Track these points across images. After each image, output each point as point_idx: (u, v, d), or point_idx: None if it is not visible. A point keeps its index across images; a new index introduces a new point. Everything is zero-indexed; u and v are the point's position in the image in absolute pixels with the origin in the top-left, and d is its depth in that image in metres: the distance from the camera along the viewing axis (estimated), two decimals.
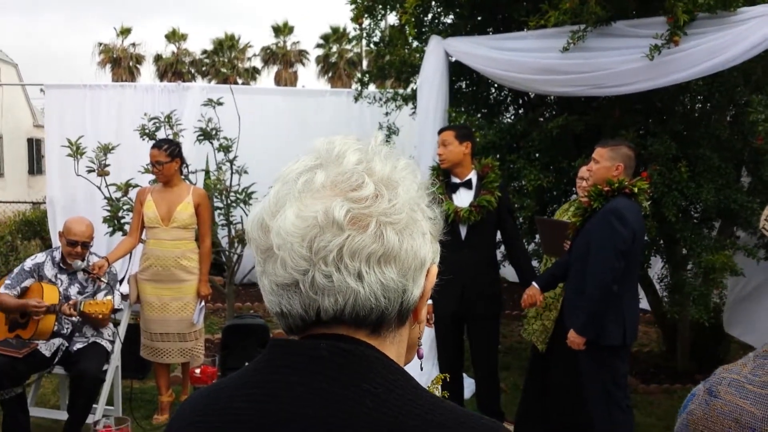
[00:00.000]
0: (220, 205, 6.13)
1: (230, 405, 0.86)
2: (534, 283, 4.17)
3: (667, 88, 4.94)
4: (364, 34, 6.56)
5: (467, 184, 4.47)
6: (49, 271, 4.51)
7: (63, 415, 4.44)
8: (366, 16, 6.31)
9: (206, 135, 6.17)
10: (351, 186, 0.84)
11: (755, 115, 4.48)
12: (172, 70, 42.48)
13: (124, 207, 5.79)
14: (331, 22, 64.39)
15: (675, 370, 5.92)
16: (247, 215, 5.93)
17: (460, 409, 0.85)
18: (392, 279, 0.83)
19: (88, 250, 4.55)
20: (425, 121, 5.55)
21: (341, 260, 0.81)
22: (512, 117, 6.56)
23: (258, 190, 6.03)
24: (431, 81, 5.52)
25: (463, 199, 4.44)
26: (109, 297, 4.43)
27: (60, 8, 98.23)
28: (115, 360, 4.61)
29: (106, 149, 5.73)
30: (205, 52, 44.30)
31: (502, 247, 5.01)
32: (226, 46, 43.74)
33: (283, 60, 44.01)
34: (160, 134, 5.95)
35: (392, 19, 6.70)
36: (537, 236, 5.91)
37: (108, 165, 5.75)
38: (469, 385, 5.08)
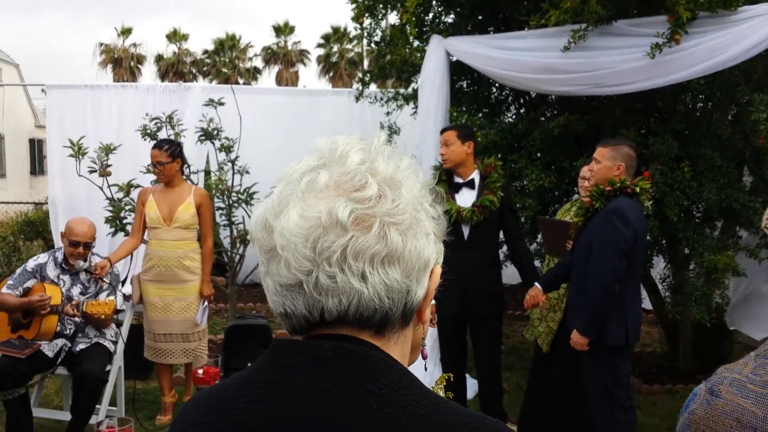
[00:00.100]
0: (221, 205, 6.13)
1: (233, 406, 0.86)
2: (536, 283, 4.16)
3: (668, 88, 4.94)
4: (365, 34, 6.56)
5: (470, 184, 4.47)
6: (51, 271, 4.51)
7: (66, 416, 4.45)
8: (367, 15, 6.31)
9: (207, 135, 6.17)
10: (354, 186, 0.84)
11: (757, 114, 4.48)
12: (174, 70, 42.48)
13: (126, 207, 5.79)
14: (332, 21, 64.41)
15: (677, 371, 5.92)
16: (248, 215, 5.97)
17: (464, 410, 0.85)
18: (396, 279, 0.83)
19: (90, 251, 4.56)
20: (426, 121, 5.55)
21: (345, 261, 0.81)
22: (513, 116, 6.55)
23: (259, 190, 6.03)
24: (432, 80, 5.52)
25: (465, 199, 4.44)
26: (112, 297, 4.44)
27: (60, 8, 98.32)
28: (118, 360, 4.62)
29: (108, 149, 5.74)
30: (206, 52, 44.29)
31: (504, 247, 5.00)
32: (227, 46, 43.72)
33: (284, 60, 43.99)
34: (162, 134, 5.95)
35: (393, 18, 6.70)
36: (539, 236, 5.91)
37: (110, 165, 5.75)
38: (471, 386, 5.08)
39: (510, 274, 5.29)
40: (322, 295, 0.83)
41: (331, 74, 43.04)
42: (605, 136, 4.71)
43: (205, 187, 6.43)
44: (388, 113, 7.05)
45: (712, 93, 5.29)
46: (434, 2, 6.11)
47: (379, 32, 6.57)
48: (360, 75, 8.03)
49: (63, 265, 4.54)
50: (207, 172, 7.28)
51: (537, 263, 5.24)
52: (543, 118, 5.94)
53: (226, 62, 43.71)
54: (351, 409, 0.80)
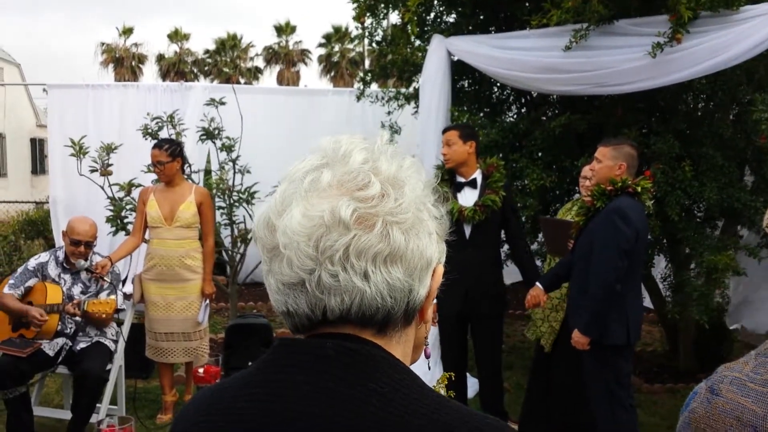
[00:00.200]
0: (222, 204, 6.14)
1: (234, 405, 0.86)
2: (538, 283, 4.16)
3: (670, 87, 4.93)
4: (366, 34, 6.56)
5: (472, 184, 4.47)
6: (52, 270, 4.52)
7: (67, 415, 4.45)
8: (368, 15, 6.31)
9: (209, 135, 6.18)
10: (357, 185, 0.84)
11: (758, 113, 4.48)
12: (175, 69, 42.53)
13: (127, 207, 5.80)
14: (333, 21, 64.40)
15: (678, 370, 5.92)
16: (249, 215, 5.97)
17: (466, 409, 0.85)
18: (398, 279, 0.83)
19: (91, 250, 4.56)
20: (427, 120, 5.55)
21: (347, 260, 0.81)
22: (515, 116, 6.55)
23: (260, 189, 6.03)
24: (433, 80, 5.52)
25: (467, 198, 4.44)
26: (113, 296, 4.44)
27: (60, 8, 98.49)
28: (119, 359, 4.62)
29: (109, 149, 5.74)
30: (207, 51, 44.36)
31: (505, 247, 5.00)
32: (229, 45, 43.77)
33: (285, 59, 44.03)
34: (163, 134, 5.96)
35: (394, 18, 6.70)
36: (540, 236, 5.91)
37: (111, 165, 5.76)
38: (472, 385, 5.08)
39: (510, 273, 5.29)
40: (325, 294, 0.83)
41: (332, 74, 43.08)
42: (607, 135, 4.71)
43: (206, 186, 6.43)
44: (389, 113, 7.05)
45: (714, 92, 5.29)
46: (436, 2, 6.11)
47: (380, 32, 6.57)
48: (361, 74, 8.04)
49: (64, 264, 4.54)
50: (208, 172, 7.28)
51: (538, 263, 5.24)
52: (544, 118, 5.94)
53: (227, 62, 43.76)
54: (353, 408, 0.80)
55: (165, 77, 40.99)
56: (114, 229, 5.83)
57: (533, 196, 5.41)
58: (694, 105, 5.67)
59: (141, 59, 44.21)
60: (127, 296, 4.91)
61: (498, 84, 6.33)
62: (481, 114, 6.30)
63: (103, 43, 43.66)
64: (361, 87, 7.31)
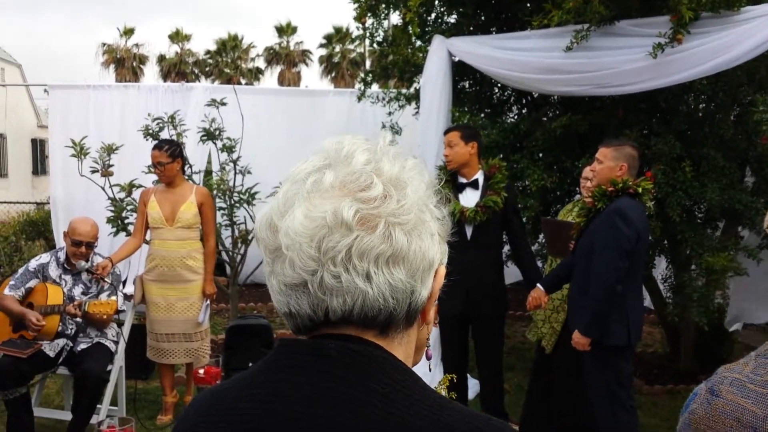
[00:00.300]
0: (223, 205, 6.14)
1: (235, 405, 0.86)
2: (539, 284, 4.16)
3: (671, 88, 4.93)
4: (367, 34, 6.56)
5: (474, 184, 4.47)
6: (53, 271, 4.52)
7: (67, 416, 4.45)
8: (369, 15, 6.31)
9: (209, 135, 6.18)
10: (360, 186, 0.83)
11: (759, 114, 4.48)
12: (176, 70, 42.57)
13: (128, 207, 5.80)
14: (334, 22, 64.49)
15: (679, 371, 5.92)
16: (250, 215, 5.98)
17: (468, 410, 0.85)
18: (400, 280, 0.83)
19: (92, 251, 4.57)
20: (428, 121, 5.54)
21: (350, 261, 0.81)
22: (515, 117, 6.55)
23: (261, 190, 6.03)
24: (434, 81, 5.52)
25: (469, 199, 4.44)
26: (113, 297, 4.44)
27: (60, 8, 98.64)
28: (119, 360, 4.63)
29: (110, 150, 5.75)
30: (208, 52, 44.40)
31: (506, 247, 5.00)
32: (230, 46, 43.80)
33: (286, 60, 44.06)
34: (164, 135, 5.96)
35: (395, 18, 6.70)
36: (540, 236, 5.91)
37: (112, 165, 5.76)
38: (473, 386, 5.08)
39: (510, 273, 5.29)
40: (327, 295, 0.83)
41: (333, 74, 43.12)
42: (608, 136, 4.71)
43: (206, 187, 6.44)
44: (390, 113, 7.05)
45: (715, 93, 5.28)
46: (437, 2, 6.11)
47: (381, 32, 6.57)
48: (362, 75, 8.03)
49: (65, 265, 4.54)
50: (209, 172, 7.29)
51: (539, 264, 5.24)
52: (545, 119, 5.94)
53: (228, 62, 43.80)
54: (355, 409, 0.80)
55: (166, 78, 41.04)
56: (115, 229, 5.83)
57: (534, 196, 5.41)
58: (695, 106, 5.67)
59: (142, 60, 44.27)
60: (127, 297, 4.92)
61: (499, 85, 6.33)
62: (482, 115, 6.30)
63: (104, 44, 43.75)
64: (362, 88, 7.31)
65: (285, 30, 44.11)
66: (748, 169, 5.59)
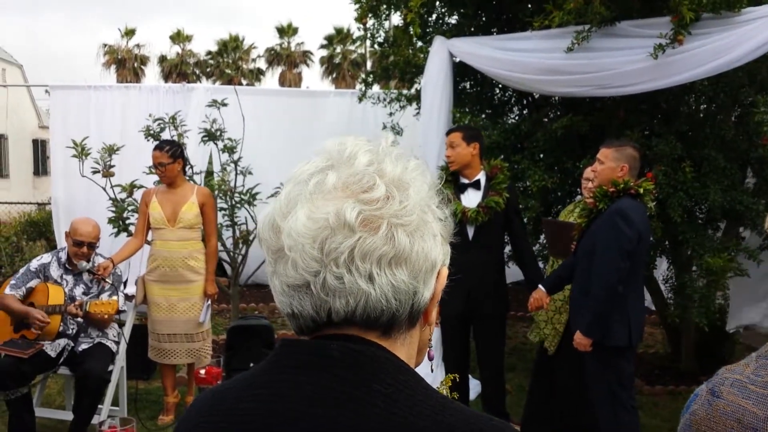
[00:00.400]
0: (224, 206, 6.14)
1: (237, 405, 0.86)
2: (540, 285, 4.16)
3: (672, 89, 4.93)
4: (368, 35, 6.56)
5: (476, 185, 4.47)
6: (54, 271, 4.52)
7: (68, 416, 4.46)
8: (370, 16, 6.31)
9: (211, 136, 6.18)
10: (362, 187, 0.84)
11: (760, 115, 4.49)
12: (177, 71, 42.58)
13: (129, 208, 5.80)
14: (335, 22, 64.41)
15: (680, 372, 5.91)
16: (251, 216, 5.98)
17: (470, 410, 0.85)
18: (403, 281, 0.83)
19: (94, 251, 4.57)
20: (429, 122, 5.55)
21: (352, 262, 0.81)
22: (516, 117, 6.55)
23: (262, 190, 6.04)
24: (435, 81, 5.52)
25: (471, 199, 4.44)
26: (114, 297, 4.45)
27: (60, 8, 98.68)
28: (121, 360, 4.63)
29: (111, 150, 5.75)
30: (209, 53, 44.40)
31: (507, 248, 5.00)
32: (231, 47, 43.81)
33: (287, 61, 44.07)
34: (165, 135, 5.96)
35: (396, 19, 6.71)
36: (541, 237, 5.90)
37: (113, 166, 5.77)
38: (474, 387, 5.08)
39: (510, 273, 5.28)
40: (330, 296, 0.83)
41: (334, 75, 43.13)
42: (609, 137, 4.71)
43: (208, 187, 6.45)
44: (391, 114, 7.05)
45: (716, 94, 5.28)
46: (438, 3, 6.11)
47: (382, 33, 6.57)
48: (363, 76, 8.02)
49: (66, 266, 4.55)
50: (210, 173, 7.29)
51: (540, 264, 5.23)
52: (546, 119, 5.94)
53: (229, 63, 43.81)
54: (357, 409, 0.80)
55: (167, 78, 41.06)
56: (116, 230, 5.83)
57: (535, 197, 5.41)
58: (696, 107, 5.67)
59: (143, 60, 44.27)
60: (128, 297, 4.92)
61: (500, 85, 6.33)
62: (483, 115, 6.30)
63: (105, 45, 43.76)
64: (363, 88, 7.31)
65: (286, 31, 44.11)
66: (749, 170, 5.58)
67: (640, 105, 5.37)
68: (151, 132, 6.02)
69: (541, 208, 5.61)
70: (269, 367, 0.88)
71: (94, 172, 5.72)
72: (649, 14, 4.75)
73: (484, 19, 6.17)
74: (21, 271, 4.54)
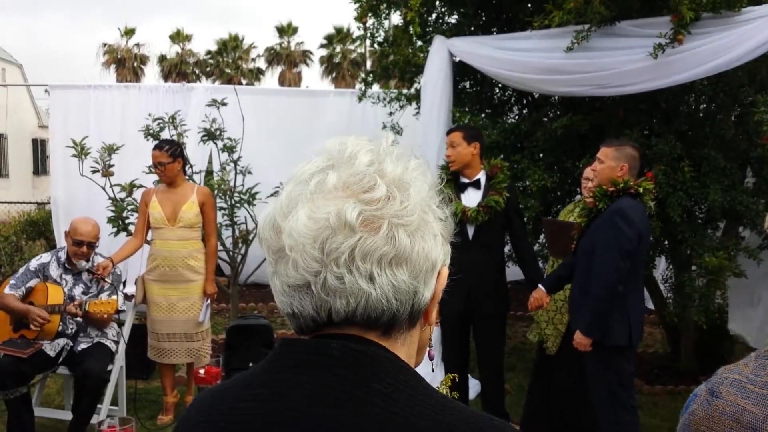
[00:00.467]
0: (224, 205, 6.14)
1: (237, 405, 0.86)
2: (540, 285, 4.16)
3: (672, 88, 4.93)
4: (368, 34, 6.56)
5: (476, 184, 4.47)
6: (54, 271, 4.52)
7: (67, 415, 4.45)
8: (370, 15, 6.31)
9: (210, 135, 6.18)
10: (363, 188, 0.83)
11: (760, 115, 4.48)
12: (177, 70, 42.60)
13: (129, 207, 5.80)
14: (335, 22, 64.41)
15: (679, 371, 5.91)
16: (251, 216, 5.98)
17: (470, 410, 0.85)
18: (404, 281, 0.83)
19: (93, 251, 4.57)
20: (429, 121, 5.55)
21: (353, 262, 0.81)
22: (516, 117, 6.55)
23: (262, 190, 6.03)
24: (435, 81, 5.52)
25: (471, 198, 4.44)
26: (114, 297, 4.44)
27: (60, 8, 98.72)
28: (120, 360, 4.63)
29: (111, 150, 5.74)
30: (209, 52, 44.41)
31: (507, 247, 5.00)
32: (230, 46, 43.83)
33: (287, 60, 44.08)
34: (165, 135, 5.96)
35: (396, 19, 6.71)
36: (541, 237, 5.90)
37: (112, 165, 5.76)
38: (473, 386, 5.08)
39: (510, 272, 5.29)
40: (330, 296, 0.83)
41: (333, 75, 43.14)
42: (608, 136, 4.71)
43: (207, 187, 6.45)
44: (390, 113, 7.05)
45: (716, 94, 5.28)
46: (438, 2, 6.11)
47: (382, 33, 6.57)
48: (363, 75, 8.03)
49: (66, 265, 4.55)
50: (209, 173, 7.29)
51: (540, 264, 5.24)
52: (546, 119, 5.94)
53: (229, 63, 43.82)
54: (357, 408, 0.80)
55: (167, 78, 41.07)
56: (115, 229, 5.83)
57: (535, 197, 5.41)
58: (695, 106, 5.67)
59: (143, 60, 44.28)
60: (127, 297, 4.92)
61: (499, 85, 6.33)
62: (483, 115, 6.30)
63: (104, 44, 43.79)
64: (363, 88, 7.30)
65: (286, 30, 44.12)
66: (749, 169, 5.58)
67: (639, 104, 5.38)
68: (151, 131, 6.01)
69: (541, 208, 5.61)
70: (269, 366, 0.88)
71: (94, 172, 5.72)
72: (648, 14, 4.75)
73: (484, 18, 6.17)
74: (20, 270, 4.53)
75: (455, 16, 6.30)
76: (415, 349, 0.92)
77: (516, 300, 6.67)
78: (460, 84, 6.25)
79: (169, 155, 4.79)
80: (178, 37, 43.94)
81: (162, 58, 44.00)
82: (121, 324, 4.79)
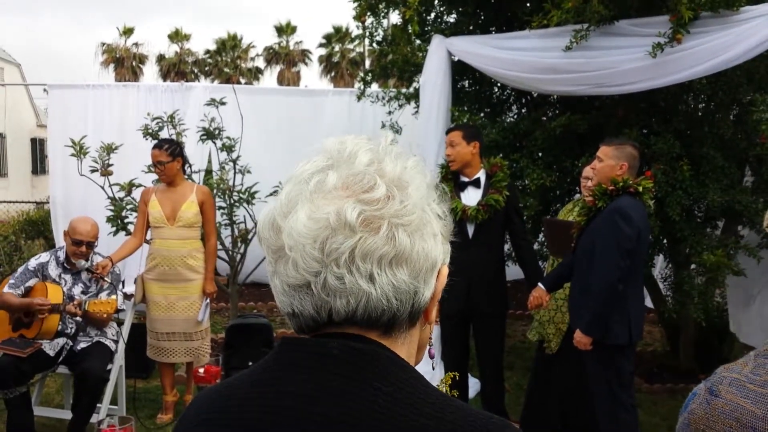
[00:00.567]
0: (223, 204, 6.14)
1: (237, 404, 0.86)
2: (540, 284, 4.16)
3: (671, 88, 4.93)
4: (367, 34, 6.56)
5: (475, 183, 4.47)
6: (53, 270, 4.52)
7: (67, 415, 4.45)
8: (368, 14, 6.30)
9: (209, 135, 6.17)
10: (363, 188, 0.84)
11: (759, 114, 4.48)
12: (175, 69, 42.54)
13: (128, 207, 5.80)
14: (334, 21, 64.37)
15: (678, 370, 5.92)
16: (250, 215, 5.97)
17: (471, 408, 0.85)
18: (404, 281, 0.83)
19: (92, 250, 4.56)
20: (428, 121, 5.55)
21: (353, 262, 0.81)
22: (515, 116, 6.55)
23: (261, 189, 6.03)
24: (434, 80, 5.52)
25: (471, 197, 4.44)
26: (113, 296, 4.44)
27: (60, 8, 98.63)
28: (119, 359, 4.62)
29: (109, 149, 5.74)
30: (208, 52, 44.36)
31: (506, 246, 5.00)
32: (229, 46, 43.77)
33: (285, 60, 44.02)
34: (163, 134, 5.96)
35: (395, 18, 6.70)
36: (540, 236, 5.90)
37: (111, 165, 5.76)
38: (473, 385, 5.08)
39: (510, 271, 5.29)
40: (330, 296, 0.83)
41: (332, 74, 43.08)
42: (607, 135, 4.71)
43: (206, 186, 6.44)
44: (389, 113, 7.05)
45: (714, 93, 5.28)
46: (436, 1, 6.11)
47: (380, 32, 6.57)
48: (362, 74, 8.03)
49: (65, 265, 4.54)
50: (208, 172, 7.29)
51: (540, 263, 5.24)
52: (545, 118, 5.94)
53: (227, 62, 43.77)
54: (358, 407, 0.80)
55: (165, 77, 41.02)
56: (114, 229, 5.82)
57: (534, 196, 5.42)
58: (694, 105, 5.67)
59: (141, 59, 44.22)
60: (126, 296, 4.91)
61: (498, 84, 6.33)
62: (482, 114, 6.30)
63: (103, 44, 43.70)
64: (362, 87, 7.30)
65: (284, 29, 44.06)
66: (748, 168, 5.59)
67: (638, 104, 5.38)
68: (150, 131, 6.01)
69: (540, 207, 5.62)
70: (269, 365, 0.88)
71: (93, 171, 5.71)
72: (647, 13, 4.75)
73: (482, 17, 6.17)
74: (19, 270, 4.53)
75: (454, 15, 6.30)
76: (415, 347, 0.93)
77: (515, 299, 6.68)
78: (459, 83, 6.25)
79: (169, 154, 4.78)
80: (176, 36, 43.87)
81: (161, 58, 43.93)
82: (120, 323, 4.79)
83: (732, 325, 5.94)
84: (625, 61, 4.64)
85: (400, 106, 7.04)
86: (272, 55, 44.44)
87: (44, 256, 4.59)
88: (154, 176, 5.32)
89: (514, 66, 5.18)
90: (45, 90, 9.33)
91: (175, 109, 6.51)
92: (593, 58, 4.77)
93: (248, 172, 6.29)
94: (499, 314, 4.55)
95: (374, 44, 6.81)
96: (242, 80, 41.63)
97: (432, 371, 4.78)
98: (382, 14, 6.43)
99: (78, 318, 4.41)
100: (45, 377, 4.87)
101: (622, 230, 3.56)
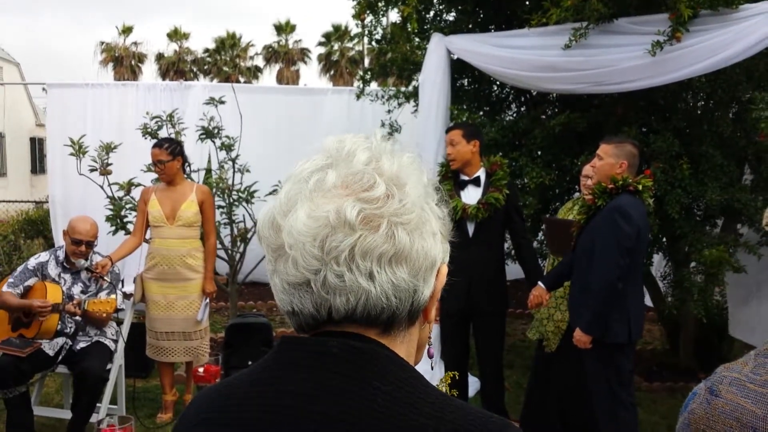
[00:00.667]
0: (222, 203, 6.13)
1: (237, 403, 0.86)
2: (540, 282, 4.15)
3: (670, 86, 4.93)
4: (366, 32, 6.55)
5: (476, 182, 4.47)
6: (52, 270, 4.52)
7: (67, 414, 4.45)
8: (368, 12, 6.30)
9: (208, 134, 6.17)
10: (363, 187, 0.84)
11: (758, 112, 4.48)
12: (174, 68, 42.54)
13: (127, 206, 5.79)
14: (333, 20, 64.37)
15: (678, 368, 5.92)
16: (249, 214, 5.97)
17: (470, 407, 0.85)
18: (403, 279, 0.84)
19: (92, 249, 4.56)
20: (427, 119, 5.55)
21: (353, 260, 0.81)
22: (514, 114, 6.55)
23: (260, 188, 6.02)
24: (433, 78, 5.52)
25: (471, 196, 4.44)
26: (113, 296, 4.44)
27: (60, 7, 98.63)
28: (119, 359, 4.62)
29: (109, 148, 5.73)
30: (207, 50, 44.37)
31: (506, 245, 5.00)
32: (228, 44, 43.77)
33: (285, 58, 44.02)
34: (162, 133, 5.95)
35: (394, 16, 6.70)
36: (540, 234, 5.90)
37: (110, 164, 5.75)
38: (472, 384, 5.08)
39: (510, 270, 5.29)
40: (330, 294, 0.83)
41: (332, 73, 43.08)
42: (606, 134, 4.71)
43: (206, 185, 6.44)
44: (389, 111, 7.04)
45: (714, 91, 5.28)
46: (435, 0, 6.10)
47: (380, 30, 6.57)
48: (361, 73, 8.02)
49: (64, 264, 4.54)
50: (208, 171, 7.28)
51: (540, 262, 5.24)
52: (544, 116, 5.94)
53: (227, 61, 43.78)
54: (357, 406, 0.80)
55: (164, 76, 41.03)
56: (114, 228, 5.82)
57: (533, 194, 5.41)
58: (693, 103, 5.67)
59: (140, 58, 44.22)
60: (126, 296, 4.91)
61: (497, 82, 6.33)
62: (481, 112, 6.29)
63: (102, 42, 43.70)
64: (361, 86, 7.30)
65: (284, 28, 44.06)
66: (747, 166, 5.59)
67: (637, 102, 5.38)
68: (149, 130, 6.00)
69: (539, 205, 5.61)
70: (269, 364, 0.88)
71: (92, 170, 5.71)
72: (646, 11, 4.75)
73: (482, 15, 6.17)
74: (19, 269, 4.52)
75: (453, 14, 6.30)
76: (414, 346, 0.93)
77: (515, 298, 6.68)
78: (458, 81, 6.25)
79: (169, 153, 4.78)
80: (175, 35, 43.87)
81: (160, 57, 43.93)
82: (120, 323, 4.79)
83: (731, 324, 5.94)
84: (624, 59, 4.64)
85: (400, 104, 7.04)
86: (271, 54, 44.43)
87: (44, 256, 4.59)
88: (154, 175, 5.31)
89: (513, 64, 5.18)
90: (44, 89, 9.32)
91: (174, 108, 6.50)
92: (592, 56, 4.77)
93: (247, 171, 6.28)
94: (499, 313, 4.55)
95: (373, 43, 6.80)
96: (241, 79, 41.65)
97: (431, 370, 4.78)
98: (382, 12, 6.43)
99: (77, 317, 4.41)
100: (44, 377, 4.87)
101: (621, 229, 3.55)
